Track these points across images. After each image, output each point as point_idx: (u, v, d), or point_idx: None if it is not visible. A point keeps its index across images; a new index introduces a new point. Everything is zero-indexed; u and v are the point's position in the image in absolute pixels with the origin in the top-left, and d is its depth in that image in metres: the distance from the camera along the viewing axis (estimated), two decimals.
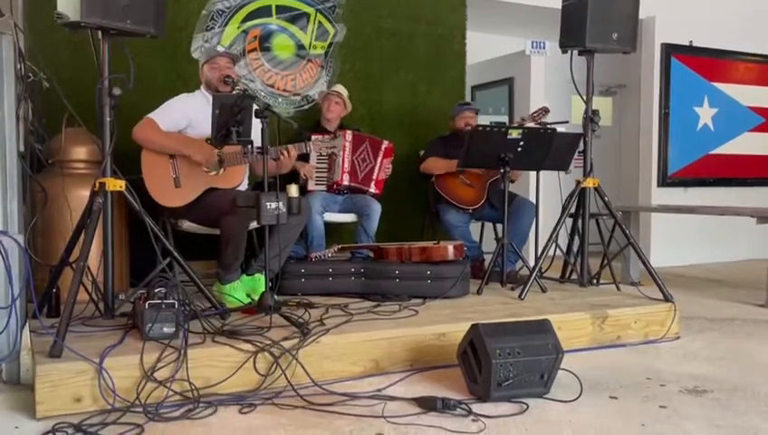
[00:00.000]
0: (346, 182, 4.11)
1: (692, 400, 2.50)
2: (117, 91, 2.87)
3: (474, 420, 2.24)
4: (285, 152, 3.45)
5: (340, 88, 4.38)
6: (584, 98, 3.95)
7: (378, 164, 4.24)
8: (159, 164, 3.37)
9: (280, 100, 4.68)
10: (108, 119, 2.89)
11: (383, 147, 4.27)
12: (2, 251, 2.40)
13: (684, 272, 5.96)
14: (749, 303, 4.48)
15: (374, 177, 4.23)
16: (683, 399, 2.51)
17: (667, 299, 3.51)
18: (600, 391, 2.56)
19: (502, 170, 3.88)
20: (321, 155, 4.07)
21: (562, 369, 2.51)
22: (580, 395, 2.46)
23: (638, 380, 2.73)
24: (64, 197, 3.34)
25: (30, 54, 3.39)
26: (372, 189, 4.23)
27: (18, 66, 2.85)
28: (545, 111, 4.35)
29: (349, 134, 4.12)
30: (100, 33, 2.89)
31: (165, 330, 2.51)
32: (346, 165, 4.10)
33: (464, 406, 2.31)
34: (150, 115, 3.38)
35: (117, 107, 2.91)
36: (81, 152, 3.57)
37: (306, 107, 4.66)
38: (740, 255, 6.72)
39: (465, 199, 4.33)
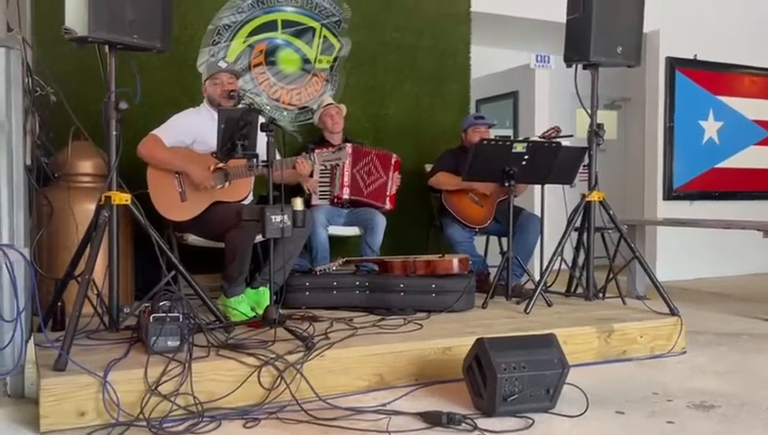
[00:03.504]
0: (346, 196, 4.09)
1: (699, 415, 2.48)
2: (123, 106, 2.89)
3: None
4: (301, 160, 3.47)
5: (329, 99, 4.42)
6: (589, 111, 3.95)
7: (390, 178, 4.25)
8: (165, 178, 3.38)
9: (285, 113, 4.70)
10: (114, 133, 2.91)
11: (393, 160, 4.27)
12: (7, 264, 2.40)
13: (690, 286, 5.93)
14: (756, 317, 4.45)
15: (388, 193, 4.24)
16: (690, 414, 2.49)
17: (673, 313, 3.49)
18: (607, 406, 2.55)
19: (507, 184, 3.87)
20: (324, 169, 4.08)
21: (568, 383, 2.50)
22: (586, 410, 2.45)
23: (644, 394, 2.71)
24: (70, 210, 3.35)
25: (37, 69, 3.42)
26: (387, 206, 4.23)
27: (26, 80, 2.87)
28: (557, 130, 4.35)
29: (349, 147, 4.12)
30: (107, 47, 2.91)
31: (169, 343, 2.51)
32: (345, 178, 4.09)
33: (469, 421, 2.29)
34: (155, 132, 3.40)
35: (123, 121, 2.93)
36: (87, 166, 3.58)
37: (311, 121, 4.67)
38: (746, 268, 6.69)
39: (472, 219, 4.31)
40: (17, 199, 2.57)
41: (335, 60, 4.84)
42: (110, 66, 2.93)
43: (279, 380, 2.50)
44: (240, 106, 3.24)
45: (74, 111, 3.26)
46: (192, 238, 3.57)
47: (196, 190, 3.39)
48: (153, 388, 2.33)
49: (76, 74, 3.78)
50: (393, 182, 4.26)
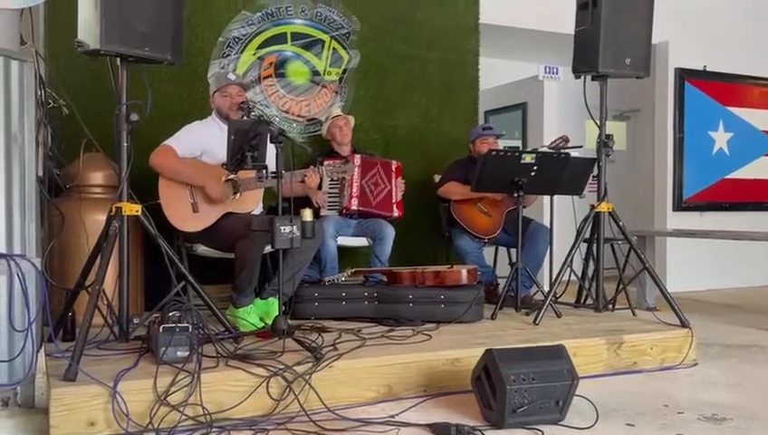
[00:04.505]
0: (354, 207, 4.11)
1: (710, 427, 2.46)
2: (134, 117, 2.91)
3: None
4: (310, 173, 3.50)
5: (337, 111, 4.44)
6: (598, 122, 3.95)
7: (394, 186, 4.26)
8: (177, 190, 3.40)
9: (294, 125, 4.72)
10: (125, 144, 2.93)
11: (393, 167, 4.29)
12: (19, 274, 2.43)
13: (700, 297, 5.89)
14: (767, 329, 4.41)
15: (394, 200, 4.25)
16: (701, 427, 2.47)
17: (683, 325, 3.47)
18: (617, 419, 2.53)
19: (515, 195, 3.87)
20: (333, 180, 4.09)
21: (578, 395, 2.48)
22: (596, 422, 2.43)
23: (655, 407, 2.69)
24: (81, 221, 3.37)
25: (50, 81, 3.45)
26: (396, 213, 4.24)
27: (39, 93, 2.90)
28: (565, 140, 4.35)
29: (357, 158, 4.14)
30: (118, 60, 2.94)
31: (179, 353, 2.51)
32: (354, 189, 4.11)
33: (478, 433, 2.29)
34: (167, 142, 3.42)
35: (134, 132, 2.96)
36: (98, 177, 3.61)
37: (320, 132, 4.69)
38: (757, 280, 6.64)
39: (481, 229, 4.30)
40: (29, 210, 2.60)
41: (344, 72, 4.87)
42: (122, 78, 2.96)
43: (288, 390, 2.50)
44: (250, 118, 3.25)
45: (86, 122, 3.29)
46: (202, 249, 3.59)
47: (208, 201, 3.41)
48: (162, 398, 2.34)
49: (88, 87, 3.82)
50: (397, 188, 4.27)
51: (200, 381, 2.41)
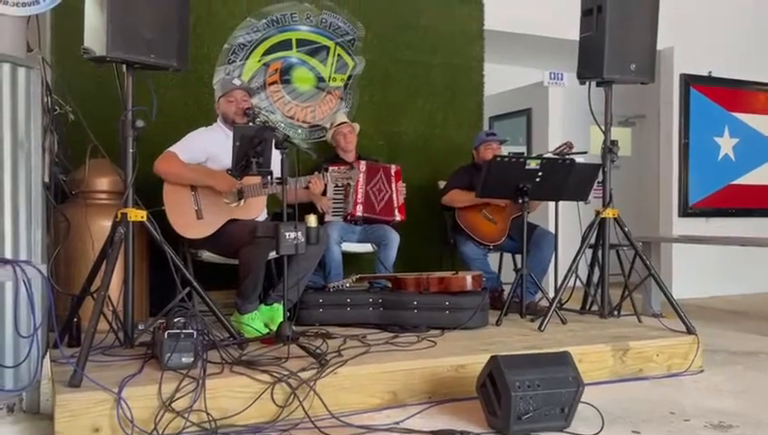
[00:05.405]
0: (359, 213, 4.12)
1: None
2: (140, 124, 2.92)
3: None
4: (315, 180, 3.52)
5: (342, 117, 4.45)
6: (603, 128, 3.95)
7: (394, 190, 4.27)
8: (181, 197, 3.41)
9: (299, 131, 4.73)
10: (130, 150, 2.94)
11: (393, 171, 4.30)
12: (25, 280, 2.43)
13: (706, 304, 5.87)
14: None
15: (395, 205, 4.26)
16: (707, 434, 2.46)
17: (689, 331, 3.45)
18: (623, 426, 2.52)
19: (520, 201, 3.87)
20: (337, 186, 4.10)
21: (583, 402, 2.47)
22: (601, 429, 2.42)
23: (661, 414, 2.68)
24: (87, 227, 3.39)
25: (56, 88, 3.47)
26: (398, 217, 4.25)
27: (45, 99, 2.91)
28: (569, 146, 4.34)
29: (363, 165, 4.16)
30: (124, 66, 2.96)
31: (183, 360, 2.51)
32: (359, 196, 4.12)
33: None
34: (171, 148, 3.43)
35: (139, 139, 2.97)
36: (103, 183, 3.63)
37: (325, 138, 4.70)
38: (763, 286, 6.61)
39: (486, 236, 4.30)
40: (35, 216, 2.61)
41: (349, 78, 4.88)
42: (128, 85, 2.97)
43: (292, 397, 2.49)
44: (256, 123, 3.26)
45: (92, 129, 3.29)
46: (206, 255, 3.60)
47: (212, 208, 3.41)
48: (167, 404, 2.34)
49: (94, 93, 3.83)
50: (398, 193, 4.29)
51: (205, 387, 2.41)
